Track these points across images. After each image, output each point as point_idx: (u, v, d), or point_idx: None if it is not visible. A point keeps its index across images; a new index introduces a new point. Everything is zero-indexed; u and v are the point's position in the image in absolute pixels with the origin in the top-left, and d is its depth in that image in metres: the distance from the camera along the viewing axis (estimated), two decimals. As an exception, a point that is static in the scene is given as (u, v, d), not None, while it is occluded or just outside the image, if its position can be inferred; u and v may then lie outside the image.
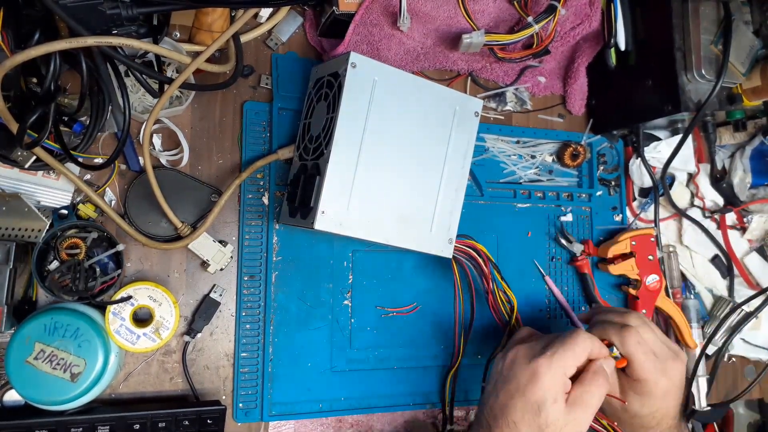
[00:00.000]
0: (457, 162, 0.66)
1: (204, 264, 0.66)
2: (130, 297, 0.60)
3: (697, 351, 0.82)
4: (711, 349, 0.85)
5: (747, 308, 0.82)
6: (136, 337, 0.61)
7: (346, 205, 0.60)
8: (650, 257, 0.80)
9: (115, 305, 0.60)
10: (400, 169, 0.63)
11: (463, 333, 0.73)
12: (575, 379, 0.56)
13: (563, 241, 0.79)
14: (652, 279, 0.80)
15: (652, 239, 0.80)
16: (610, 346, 0.59)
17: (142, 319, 0.62)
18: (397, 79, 0.62)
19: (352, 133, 0.60)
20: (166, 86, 0.59)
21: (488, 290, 0.69)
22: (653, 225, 0.82)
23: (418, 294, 0.74)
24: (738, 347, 0.85)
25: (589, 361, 0.57)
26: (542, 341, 0.58)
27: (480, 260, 0.69)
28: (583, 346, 0.56)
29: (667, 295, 0.83)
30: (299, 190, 0.63)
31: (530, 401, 0.54)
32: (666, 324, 0.84)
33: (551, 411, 0.53)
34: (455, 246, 0.67)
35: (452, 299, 0.75)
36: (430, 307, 0.75)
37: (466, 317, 0.74)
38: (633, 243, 0.79)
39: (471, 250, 0.69)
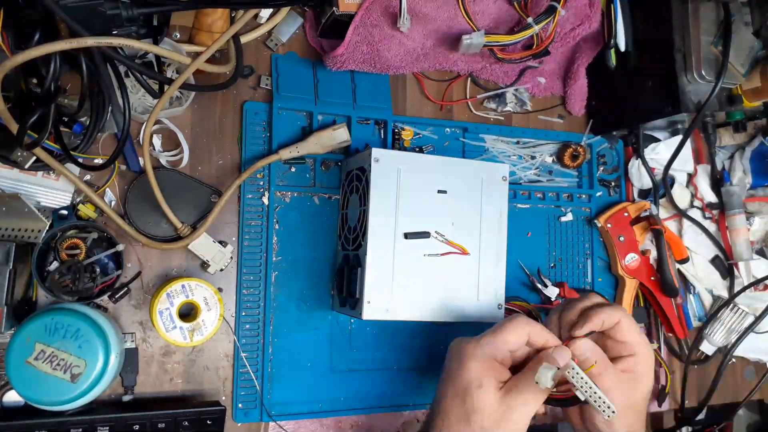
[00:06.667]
0: (492, 228, 0.67)
1: (204, 264, 0.66)
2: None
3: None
4: (711, 350, 0.85)
5: (747, 309, 0.82)
6: (173, 326, 0.61)
7: (390, 291, 0.62)
8: (620, 237, 0.78)
9: (171, 290, 0.61)
10: (437, 247, 0.64)
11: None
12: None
13: (538, 285, 0.78)
14: (630, 258, 0.78)
15: (626, 214, 0.79)
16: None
17: (185, 313, 0.63)
18: (420, 163, 0.64)
19: (385, 222, 0.62)
20: (166, 87, 0.59)
21: None
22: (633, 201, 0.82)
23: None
24: (738, 348, 0.85)
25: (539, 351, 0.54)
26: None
27: None
28: (514, 328, 0.53)
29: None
30: (344, 282, 0.66)
31: (457, 387, 0.52)
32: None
33: (476, 396, 0.51)
34: (506, 308, 0.67)
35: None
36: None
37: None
38: (609, 225, 0.79)
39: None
